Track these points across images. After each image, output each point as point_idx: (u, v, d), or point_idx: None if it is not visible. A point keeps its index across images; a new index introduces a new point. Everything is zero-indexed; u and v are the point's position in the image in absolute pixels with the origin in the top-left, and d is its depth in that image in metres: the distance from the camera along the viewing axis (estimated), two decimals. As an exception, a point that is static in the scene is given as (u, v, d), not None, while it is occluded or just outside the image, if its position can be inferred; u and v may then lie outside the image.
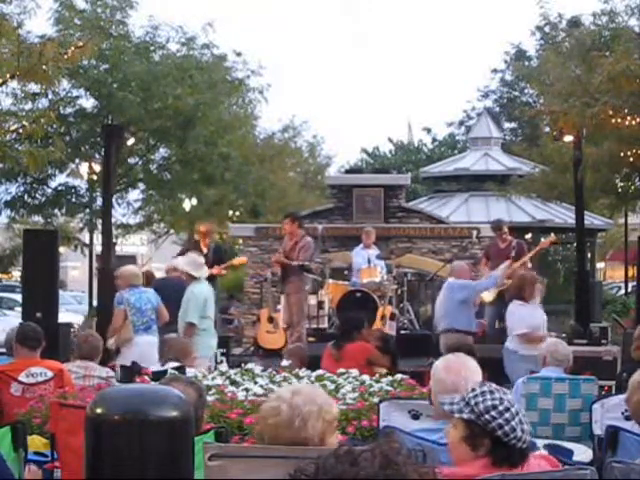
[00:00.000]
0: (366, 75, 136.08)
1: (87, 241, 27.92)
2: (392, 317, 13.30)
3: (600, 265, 40.97)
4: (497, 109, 40.34)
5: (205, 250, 12.90)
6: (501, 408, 3.27)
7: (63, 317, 12.88)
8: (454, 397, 3.40)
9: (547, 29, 23.79)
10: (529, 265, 12.96)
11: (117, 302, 9.92)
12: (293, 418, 3.45)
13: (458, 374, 4.15)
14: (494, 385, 3.40)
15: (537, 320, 9.56)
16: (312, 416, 3.46)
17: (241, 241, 20.63)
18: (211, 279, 11.25)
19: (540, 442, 5.32)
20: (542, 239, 14.25)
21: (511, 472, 3.26)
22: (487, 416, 3.26)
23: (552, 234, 14.19)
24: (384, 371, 7.77)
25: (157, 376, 6.45)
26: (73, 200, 25.17)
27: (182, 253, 13.09)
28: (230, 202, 29.17)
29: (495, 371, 7.88)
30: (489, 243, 14.00)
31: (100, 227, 19.63)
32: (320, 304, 13.76)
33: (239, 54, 25.66)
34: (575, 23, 23.97)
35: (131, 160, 25.03)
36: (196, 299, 9.69)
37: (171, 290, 10.96)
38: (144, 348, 9.35)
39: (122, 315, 9.74)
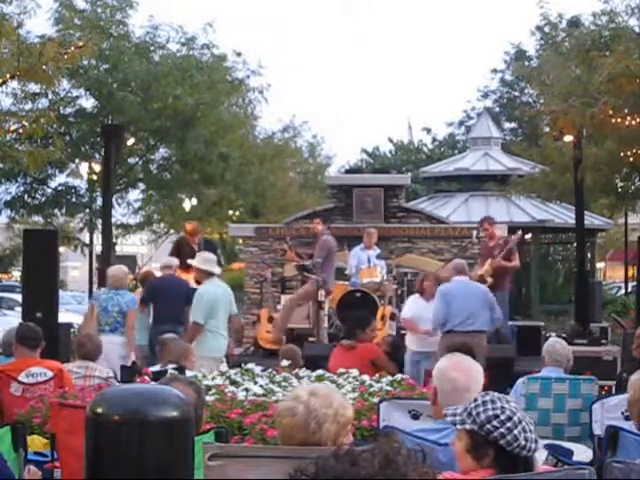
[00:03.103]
0: (366, 75, 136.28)
1: (87, 241, 27.87)
2: (392, 317, 13.29)
3: (600, 265, 40.96)
4: (497, 109, 40.35)
5: (195, 247, 12.94)
6: (503, 417, 3.25)
7: (63, 317, 12.86)
8: (457, 408, 3.39)
9: (547, 29, 23.76)
10: (517, 263, 13.01)
11: (92, 298, 11.01)
12: (309, 420, 3.43)
13: (468, 374, 4.13)
14: (496, 394, 3.38)
15: None
16: (327, 419, 3.44)
17: (241, 241, 20.62)
18: None
19: (540, 442, 5.31)
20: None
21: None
22: (489, 426, 3.25)
23: (518, 232, 13.76)
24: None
25: (157, 376, 6.46)
26: (73, 200, 25.12)
27: (173, 254, 13.13)
28: (230, 202, 29.13)
29: (496, 371, 7.87)
30: (483, 243, 14.05)
31: (100, 227, 19.62)
32: (320, 304, 13.75)
33: (239, 54, 25.60)
34: (575, 23, 23.96)
35: (131, 160, 24.98)
36: (198, 299, 9.68)
37: (166, 288, 11.10)
38: (104, 346, 9.36)
39: (91, 309, 10.50)
